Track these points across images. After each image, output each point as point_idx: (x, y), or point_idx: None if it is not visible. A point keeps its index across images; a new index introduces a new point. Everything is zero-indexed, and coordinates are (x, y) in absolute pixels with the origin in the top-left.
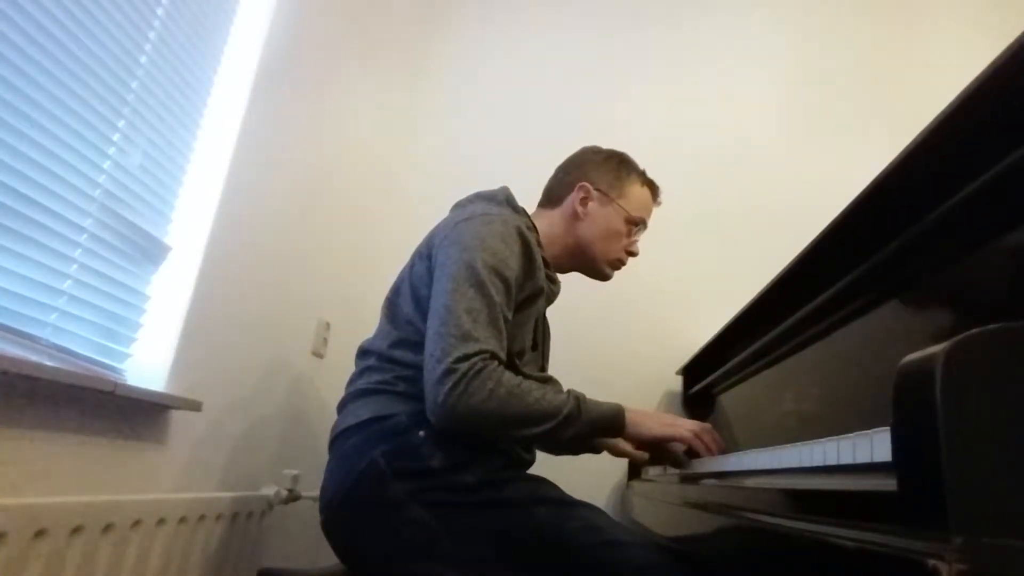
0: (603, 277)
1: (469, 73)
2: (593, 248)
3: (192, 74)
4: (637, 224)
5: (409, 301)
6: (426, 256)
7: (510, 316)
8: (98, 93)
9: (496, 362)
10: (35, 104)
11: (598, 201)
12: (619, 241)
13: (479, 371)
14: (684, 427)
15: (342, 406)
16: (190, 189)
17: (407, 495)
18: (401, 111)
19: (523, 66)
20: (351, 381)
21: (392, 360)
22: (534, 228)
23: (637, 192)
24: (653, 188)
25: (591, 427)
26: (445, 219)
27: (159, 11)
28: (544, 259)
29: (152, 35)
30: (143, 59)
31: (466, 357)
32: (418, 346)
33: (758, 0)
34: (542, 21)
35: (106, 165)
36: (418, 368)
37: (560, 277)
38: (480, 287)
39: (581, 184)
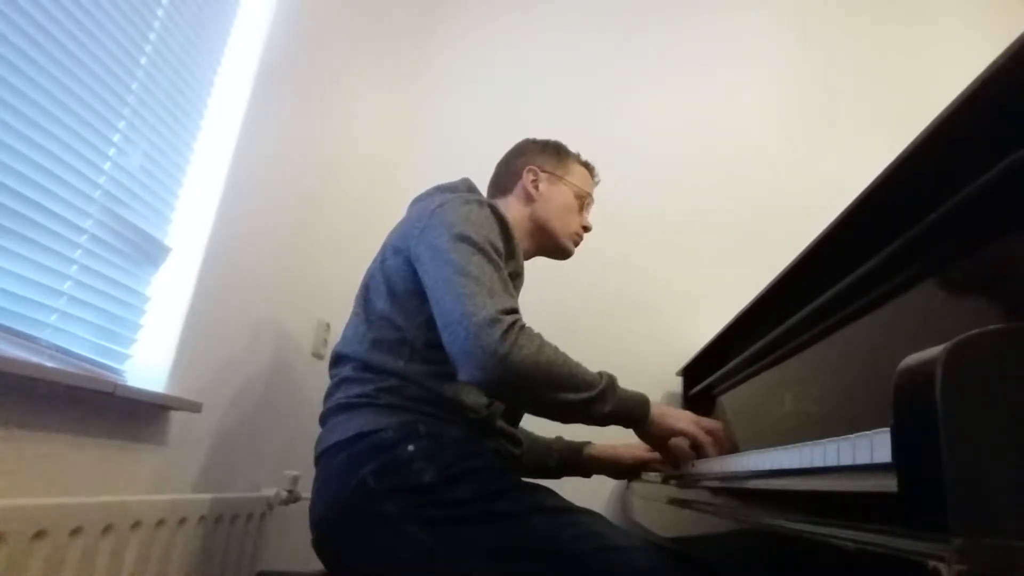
0: (565, 253)
1: (469, 73)
2: (552, 225)
3: (192, 74)
4: (585, 199)
5: (383, 296)
6: (402, 250)
7: None
8: (98, 93)
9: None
10: (35, 105)
11: (547, 181)
12: (574, 215)
13: (523, 326)
14: (699, 428)
15: (323, 420)
16: (190, 190)
17: (400, 512)
18: (401, 111)
19: (523, 67)
20: (329, 393)
21: (370, 368)
22: None
23: (579, 170)
24: (589, 168)
25: (622, 407)
26: (412, 213)
27: (159, 11)
28: None
29: (152, 35)
30: (143, 59)
31: (505, 311)
32: (395, 346)
33: (759, 1)
34: (542, 22)
35: (106, 166)
36: (398, 375)
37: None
38: (484, 254)
39: (529, 168)
